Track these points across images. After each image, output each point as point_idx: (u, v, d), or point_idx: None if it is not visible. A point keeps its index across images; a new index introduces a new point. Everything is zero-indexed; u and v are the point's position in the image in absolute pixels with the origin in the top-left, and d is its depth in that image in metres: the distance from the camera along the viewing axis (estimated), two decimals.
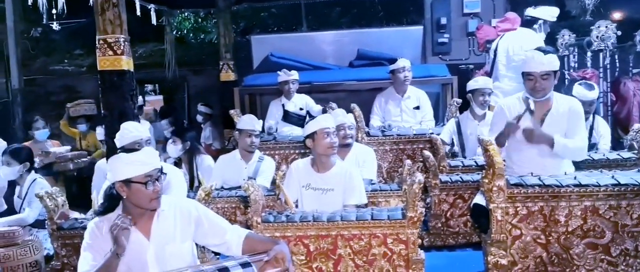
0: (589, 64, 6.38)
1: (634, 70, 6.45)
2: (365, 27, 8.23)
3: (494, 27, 6.78)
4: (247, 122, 4.67)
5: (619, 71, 6.49)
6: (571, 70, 6.41)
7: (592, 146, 4.55)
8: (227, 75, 8.00)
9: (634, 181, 3.09)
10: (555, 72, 3.45)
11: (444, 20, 7.82)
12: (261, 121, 4.83)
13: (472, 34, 7.64)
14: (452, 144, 5.13)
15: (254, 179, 4.48)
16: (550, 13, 5.77)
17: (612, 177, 3.16)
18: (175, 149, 4.77)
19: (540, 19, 5.74)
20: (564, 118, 3.51)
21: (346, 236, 3.17)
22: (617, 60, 6.35)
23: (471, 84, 5.09)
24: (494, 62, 5.99)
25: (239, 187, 4.55)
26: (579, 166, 4.00)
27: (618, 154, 4.37)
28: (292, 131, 5.83)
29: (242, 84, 7.25)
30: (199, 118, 7.94)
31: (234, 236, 2.65)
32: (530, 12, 5.92)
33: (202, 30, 10.72)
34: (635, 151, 4.30)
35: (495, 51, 6.00)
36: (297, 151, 5.34)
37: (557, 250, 3.15)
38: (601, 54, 6.13)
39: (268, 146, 5.36)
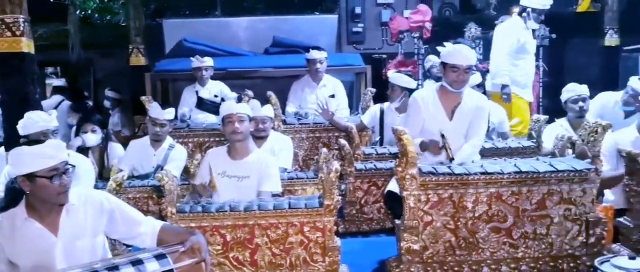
0: None
1: (534, 63, 6.87)
2: (281, 14, 8.18)
3: (407, 18, 7.00)
4: (155, 110, 4.54)
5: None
6: (477, 62, 6.71)
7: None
8: (137, 59, 7.72)
9: (533, 169, 3.29)
10: (473, 66, 3.62)
11: (358, 10, 7.96)
12: (173, 109, 4.70)
13: (386, 24, 7.84)
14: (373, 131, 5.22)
15: (162, 167, 4.37)
16: (539, 2, 5.74)
17: (515, 165, 3.36)
18: (95, 137, 4.55)
19: (528, 7, 5.75)
20: (470, 113, 3.68)
21: (263, 225, 3.16)
22: None
23: (390, 79, 5.19)
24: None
25: (148, 175, 4.46)
26: (483, 154, 4.23)
27: (519, 143, 4.65)
28: (207, 118, 5.72)
29: (154, 69, 7.00)
30: (107, 103, 7.59)
31: (148, 227, 2.57)
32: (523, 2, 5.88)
33: (109, 11, 10.20)
34: (534, 140, 4.60)
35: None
36: (212, 139, 5.24)
37: (464, 234, 3.30)
38: None
39: (181, 134, 5.23)
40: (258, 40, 7.66)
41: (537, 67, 6.48)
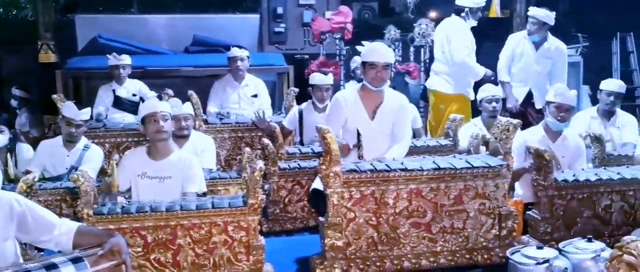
0: (411, 58, 6.95)
1: None
2: (201, 13, 8.03)
3: (328, 19, 7.08)
4: (69, 109, 4.34)
5: None
6: (396, 64, 6.90)
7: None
8: (47, 56, 7.34)
9: (450, 165, 3.43)
10: (391, 64, 3.72)
11: (280, 10, 7.95)
12: (89, 109, 4.51)
13: (308, 25, 7.88)
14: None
15: (76, 168, 4.19)
16: (474, 1, 5.83)
17: (433, 162, 3.48)
18: (1, 138, 4.28)
19: (465, 7, 5.82)
20: (392, 113, 3.78)
21: (186, 226, 3.10)
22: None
23: (310, 79, 5.24)
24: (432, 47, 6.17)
25: (61, 177, 4.25)
26: None
27: (437, 142, 4.83)
28: (124, 118, 5.52)
29: (66, 67, 6.67)
30: (14, 103, 7.13)
31: (63, 230, 2.45)
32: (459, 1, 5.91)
33: (14, 5, 9.61)
34: (451, 138, 4.79)
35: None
36: (130, 139, 5.06)
37: (386, 230, 3.38)
38: (422, 50, 6.71)
39: (97, 134, 5.01)
40: (178, 38, 7.49)
41: None
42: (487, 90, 4.89)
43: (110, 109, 5.72)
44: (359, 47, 3.80)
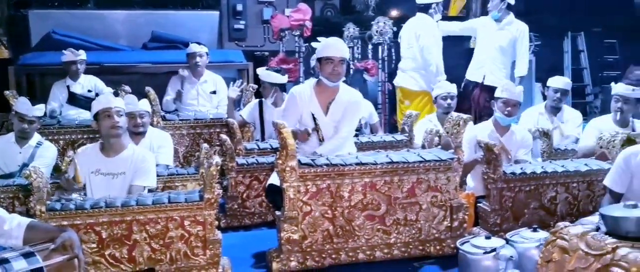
0: (370, 55, 7.05)
1: None
2: (160, 9, 7.94)
3: (288, 16, 7.12)
4: (21, 105, 4.26)
5: (395, 63, 7.29)
6: (355, 61, 6.99)
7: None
8: None
9: (404, 159, 3.52)
10: (346, 59, 3.79)
11: (240, 7, 7.95)
12: (43, 105, 4.43)
13: (267, 22, 7.89)
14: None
15: (28, 165, 4.13)
16: None
17: (387, 156, 3.57)
18: None
19: (433, 2, 5.95)
20: (343, 107, 3.85)
21: (142, 221, 3.10)
22: (393, 53, 7.11)
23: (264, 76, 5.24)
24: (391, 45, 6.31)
25: (12, 174, 4.17)
26: (360, 148, 4.45)
27: (392, 137, 4.93)
28: (80, 115, 5.44)
29: (19, 63, 6.51)
30: None
31: (13, 225, 2.42)
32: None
33: None
34: (406, 134, 4.90)
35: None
36: (85, 136, 4.99)
37: (341, 223, 3.45)
38: (380, 47, 6.81)
39: (51, 131, 4.93)
40: (136, 34, 7.40)
41: None
42: (442, 88, 5.03)
43: (65, 105, 5.63)
44: (314, 44, 3.84)
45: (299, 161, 3.36)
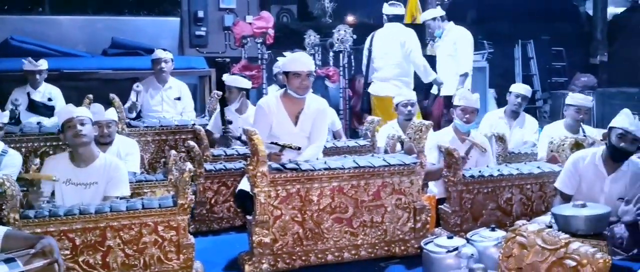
0: (331, 62, 7.21)
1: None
2: (118, 15, 7.91)
3: (250, 23, 7.21)
4: None
5: (354, 70, 7.48)
6: (317, 68, 7.13)
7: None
8: None
9: (369, 164, 3.68)
10: (312, 71, 3.91)
11: (201, 14, 7.99)
12: (7, 112, 4.40)
13: (228, 29, 7.97)
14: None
15: None
16: (437, 13, 6.47)
17: (353, 160, 3.71)
18: None
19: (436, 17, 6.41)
20: (312, 117, 3.98)
21: (116, 227, 3.15)
22: (353, 60, 7.30)
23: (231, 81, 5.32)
24: (370, 54, 6.42)
25: None
26: (326, 153, 4.58)
27: (356, 142, 5.10)
28: (42, 121, 5.37)
29: None
30: None
31: None
32: (386, 10, 6.36)
33: None
34: (369, 139, 5.08)
35: (370, 45, 6.43)
36: (48, 143, 4.93)
37: (311, 226, 3.57)
38: (341, 54, 6.98)
39: (13, 138, 4.86)
40: (95, 40, 7.37)
41: None
42: (403, 95, 5.22)
43: (23, 112, 5.55)
44: (280, 59, 3.95)
45: (269, 166, 3.46)
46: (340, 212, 3.64)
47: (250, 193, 3.57)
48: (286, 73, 3.89)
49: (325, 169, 3.58)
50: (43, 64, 5.58)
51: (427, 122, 3.78)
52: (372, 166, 3.66)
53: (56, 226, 3.06)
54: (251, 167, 3.43)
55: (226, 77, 5.31)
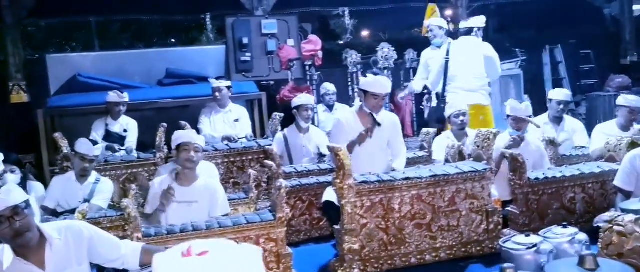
0: None
1: (405, 84, 7.81)
2: (168, 46, 8.34)
3: (294, 47, 7.60)
4: (82, 145, 4.60)
5: (393, 85, 7.79)
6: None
7: None
8: (19, 96, 7.44)
9: (445, 172, 3.98)
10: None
11: (245, 40, 8.36)
12: (100, 145, 4.78)
13: (271, 53, 8.34)
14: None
15: (89, 200, 4.49)
16: (480, 21, 6.38)
17: (430, 170, 4.02)
18: (14, 177, 4.48)
19: (474, 27, 6.32)
20: (387, 131, 4.36)
21: None
22: (390, 76, 7.62)
23: (295, 101, 5.69)
24: (446, 65, 6.29)
25: (74, 210, 4.49)
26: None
27: (414, 154, 5.40)
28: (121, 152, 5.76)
29: (47, 106, 6.81)
30: None
31: (128, 249, 2.79)
32: (463, 24, 6.50)
33: None
34: (426, 150, 5.38)
35: (447, 55, 6.33)
36: (129, 171, 5.32)
37: (394, 232, 3.88)
38: (386, 71, 7.30)
39: (98, 168, 5.24)
40: (149, 72, 7.77)
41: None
42: (454, 107, 5.51)
43: (101, 143, 5.93)
44: (362, 78, 4.34)
45: (354, 179, 3.78)
46: (419, 219, 3.94)
47: (335, 204, 3.89)
48: (365, 92, 4.24)
49: (405, 179, 3.88)
50: (126, 97, 5.97)
51: (494, 131, 4.07)
52: (448, 174, 3.96)
53: (173, 243, 3.39)
54: (338, 181, 3.75)
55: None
